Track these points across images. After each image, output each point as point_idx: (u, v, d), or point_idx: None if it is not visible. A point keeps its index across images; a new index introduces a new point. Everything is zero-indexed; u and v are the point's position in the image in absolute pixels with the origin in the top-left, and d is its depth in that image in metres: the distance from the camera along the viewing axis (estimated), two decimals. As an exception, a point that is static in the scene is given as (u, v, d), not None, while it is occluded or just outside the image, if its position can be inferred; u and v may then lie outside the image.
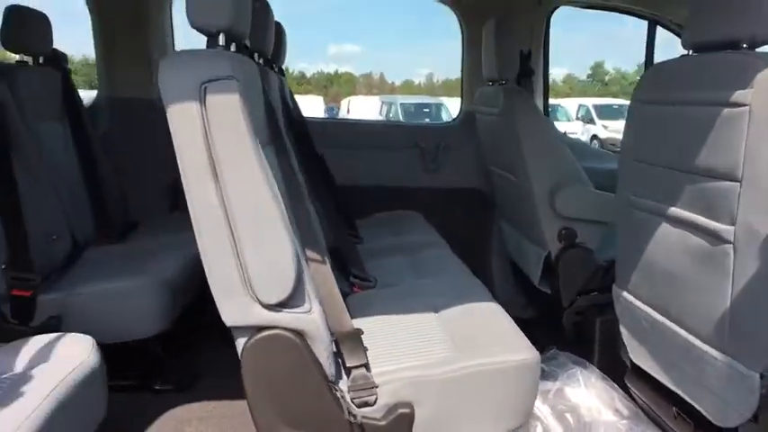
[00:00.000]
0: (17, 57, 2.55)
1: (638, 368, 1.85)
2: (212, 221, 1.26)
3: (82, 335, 1.44)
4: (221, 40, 1.40)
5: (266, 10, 2.04)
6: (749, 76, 1.27)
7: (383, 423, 1.39)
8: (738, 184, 1.31)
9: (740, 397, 1.34)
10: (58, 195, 2.33)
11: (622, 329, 1.89)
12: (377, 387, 1.40)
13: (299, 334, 1.34)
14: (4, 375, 1.32)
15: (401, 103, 14.20)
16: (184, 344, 2.34)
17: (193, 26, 1.39)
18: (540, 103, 3.20)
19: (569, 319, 2.41)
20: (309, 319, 1.35)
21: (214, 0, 1.34)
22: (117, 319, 1.88)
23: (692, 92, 1.46)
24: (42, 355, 1.37)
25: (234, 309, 1.30)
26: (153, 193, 2.94)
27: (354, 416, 1.38)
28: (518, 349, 1.47)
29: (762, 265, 1.27)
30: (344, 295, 1.69)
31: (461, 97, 3.33)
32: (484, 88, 2.73)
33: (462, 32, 3.19)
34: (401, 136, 3.28)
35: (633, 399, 1.97)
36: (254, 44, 1.85)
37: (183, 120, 1.22)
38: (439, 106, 14.17)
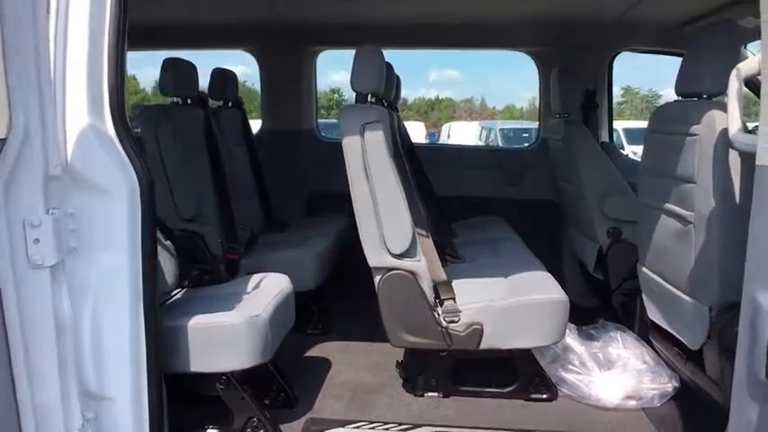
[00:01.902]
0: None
1: (655, 324, 2.54)
2: (365, 203, 2.19)
3: (281, 274, 2.41)
4: (369, 97, 2.34)
5: (391, 71, 2.99)
6: (700, 116, 2.00)
7: (463, 334, 2.23)
8: (694, 184, 2.03)
9: (699, 325, 2.04)
10: (243, 198, 3.40)
11: (643, 295, 2.59)
12: (459, 312, 2.25)
13: (413, 274, 2.23)
14: (241, 294, 2.29)
15: (500, 128, 14.78)
16: (326, 301, 3.31)
17: (354, 89, 2.35)
18: (605, 131, 3.93)
19: (617, 299, 3.09)
20: (419, 265, 2.24)
21: (368, 75, 2.29)
22: (291, 273, 2.83)
23: (674, 126, 2.19)
24: (261, 283, 2.35)
25: (375, 256, 2.21)
26: (293, 203, 3.98)
27: (446, 328, 2.24)
28: (552, 292, 2.26)
29: (707, 236, 1.98)
30: (444, 265, 2.55)
31: (539, 126, 4.12)
32: (552, 120, 3.52)
33: (539, 74, 3.99)
34: (488, 158, 4.13)
35: (657, 351, 2.65)
36: (384, 96, 2.79)
37: (352, 145, 2.16)
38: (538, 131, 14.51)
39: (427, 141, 15.03)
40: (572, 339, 2.56)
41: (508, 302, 2.24)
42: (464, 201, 3.96)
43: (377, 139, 2.15)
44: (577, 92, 3.53)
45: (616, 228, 3.09)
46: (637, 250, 3.08)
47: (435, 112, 37.37)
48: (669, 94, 2.50)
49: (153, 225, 1.65)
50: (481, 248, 3.12)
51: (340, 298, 3.33)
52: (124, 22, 1.58)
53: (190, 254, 2.79)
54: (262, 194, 3.68)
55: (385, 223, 2.18)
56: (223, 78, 3.60)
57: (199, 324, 1.99)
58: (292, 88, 4.08)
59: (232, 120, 3.66)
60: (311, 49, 4.08)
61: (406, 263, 2.22)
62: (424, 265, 2.26)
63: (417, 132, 16.79)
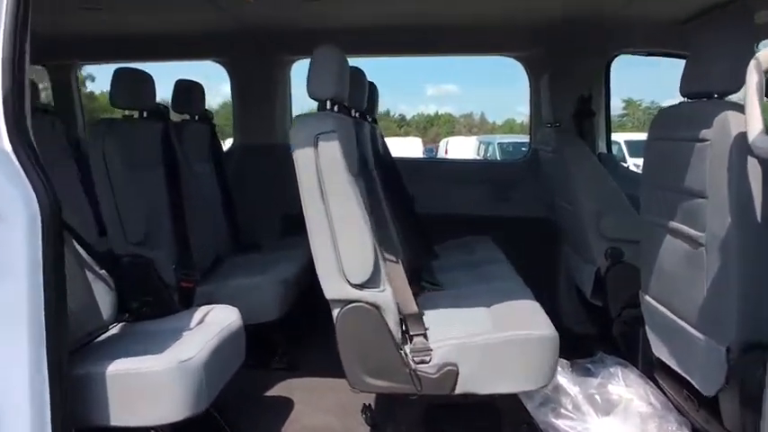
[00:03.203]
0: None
1: (660, 361, 2.21)
2: (320, 225, 1.88)
3: (229, 306, 2.10)
4: (328, 104, 2.05)
5: (360, 77, 2.70)
6: (711, 117, 1.70)
7: (435, 376, 1.91)
8: (705, 199, 1.72)
9: (714, 368, 1.72)
10: (207, 218, 3.10)
11: (647, 328, 2.27)
12: (431, 351, 1.93)
13: (375, 307, 1.91)
14: (182, 330, 2.00)
15: (498, 143, 14.57)
16: (293, 331, 2.99)
17: (311, 96, 2.06)
18: (602, 140, 3.63)
19: (618, 328, 2.77)
20: (383, 296, 1.92)
21: (323, 79, 2.00)
22: (249, 305, 2.52)
23: (680, 131, 1.89)
24: (206, 317, 2.05)
25: (332, 286, 1.90)
26: (269, 222, 3.68)
27: (414, 370, 1.92)
28: (540, 327, 1.94)
29: (722, 262, 1.67)
30: (416, 295, 2.24)
31: (530, 137, 3.82)
32: (543, 129, 3.22)
33: (530, 81, 3.71)
34: (475, 172, 3.82)
35: (663, 392, 2.32)
36: (351, 103, 2.50)
37: (304, 157, 1.86)
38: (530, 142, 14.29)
39: (425, 157, 14.81)
40: (564, 378, 2.22)
41: (487, 339, 1.92)
42: (450, 219, 3.65)
43: (332, 152, 1.85)
44: (570, 99, 3.23)
45: (616, 248, 2.78)
46: (638, 273, 2.80)
47: (434, 127, 37.21)
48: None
49: (59, 254, 1.43)
50: (464, 273, 2.81)
51: (310, 328, 3.00)
52: (24, 19, 1.40)
53: (136, 282, 2.50)
54: (229, 214, 3.39)
55: (343, 249, 1.87)
56: (187, 90, 3.33)
57: (119, 371, 1.70)
58: (265, 100, 3.79)
59: (197, 134, 3.37)
60: (285, 58, 3.81)
61: (368, 293, 1.91)
62: (390, 295, 1.94)
63: (415, 148, 16.64)
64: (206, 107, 3.49)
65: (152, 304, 2.18)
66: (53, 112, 3.60)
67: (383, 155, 3.16)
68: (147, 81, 2.81)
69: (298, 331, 3.00)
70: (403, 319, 2.00)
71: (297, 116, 1.94)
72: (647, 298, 2.24)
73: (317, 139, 1.85)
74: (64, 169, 2.97)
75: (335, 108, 2.12)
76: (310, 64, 2.01)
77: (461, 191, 3.77)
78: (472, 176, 3.84)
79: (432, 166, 4.28)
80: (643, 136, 2.74)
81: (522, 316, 2.07)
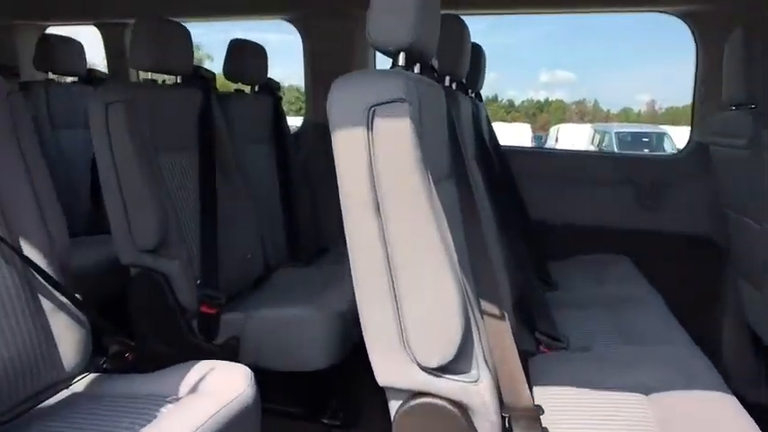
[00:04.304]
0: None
1: None
2: (371, 264, 1.10)
3: (240, 365, 1.40)
4: (401, 59, 1.26)
5: (460, 29, 1.87)
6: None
7: None
8: None
9: None
10: (257, 216, 2.44)
11: None
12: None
13: (460, 406, 1.11)
14: (166, 398, 1.32)
15: (616, 132, 13.04)
16: (353, 379, 2.25)
17: (373, 45, 1.28)
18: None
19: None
20: (475, 390, 1.11)
21: (395, 16, 1.20)
22: (289, 346, 1.85)
23: None
24: (201, 383, 1.35)
25: (388, 367, 1.12)
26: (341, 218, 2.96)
27: None
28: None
29: None
30: (527, 356, 1.43)
31: (691, 125, 2.79)
32: (724, 114, 2.22)
33: (697, 49, 2.68)
34: (612, 168, 2.86)
35: None
36: (443, 66, 1.69)
37: (347, 146, 1.09)
38: (661, 136, 12.75)
39: (533, 146, 13.55)
40: None
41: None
42: (572, 229, 2.76)
43: (399, 136, 1.07)
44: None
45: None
46: None
47: (544, 114, 35.09)
48: None
49: None
50: (597, 317, 1.94)
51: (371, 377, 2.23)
52: None
53: (142, 305, 1.88)
54: (287, 211, 2.70)
55: (409, 305, 1.09)
56: (245, 53, 2.67)
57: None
58: (345, 68, 3.05)
59: (254, 109, 2.71)
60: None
61: (449, 384, 1.11)
62: (487, 386, 1.13)
63: (523, 135, 15.42)
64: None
65: (136, 349, 1.51)
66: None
67: (489, 143, 2.31)
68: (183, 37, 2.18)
69: (358, 378, 2.26)
70: (508, 420, 1.19)
71: (340, 77, 1.14)
72: None
73: (373, 112, 1.07)
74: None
75: (416, 67, 1.34)
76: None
77: (588, 192, 2.85)
78: (604, 174, 2.89)
79: (549, 159, 3.34)
80: None
81: (718, 428, 1.19)
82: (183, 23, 2.21)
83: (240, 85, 2.77)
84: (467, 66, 1.97)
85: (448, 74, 1.83)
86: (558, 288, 2.22)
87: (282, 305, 1.97)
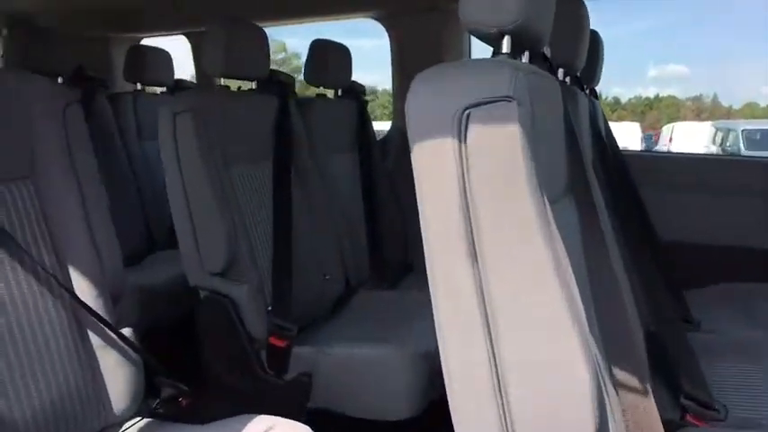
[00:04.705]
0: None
1: None
2: (461, 318, 0.81)
3: (303, 428, 1.15)
4: (505, 45, 0.95)
5: (579, 11, 1.52)
6: None
7: None
8: None
9: None
10: (338, 231, 2.21)
11: None
12: None
13: None
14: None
15: (743, 129, 11.60)
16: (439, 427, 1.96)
17: (469, 29, 0.99)
18: None
19: None
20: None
21: None
22: (364, 390, 1.59)
23: None
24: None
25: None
26: None
27: None
28: None
29: None
30: (671, 429, 1.07)
31: None
32: None
33: None
34: (754, 175, 2.38)
35: None
36: (556, 54, 1.35)
37: (430, 162, 0.81)
38: None
39: (643, 147, 12.51)
40: None
41: None
42: (706, 251, 2.31)
43: (503, 146, 0.77)
44: None
45: None
46: None
47: (654, 111, 32.72)
48: None
49: None
50: (764, 375, 1.50)
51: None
52: None
53: (208, 331, 1.71)
54: (371, 225, 2.45)
55: (517, 380, 0.78)
56: (328, 54, 2.46)
57: None
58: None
59: (336, 115, 2.50)
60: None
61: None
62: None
63: (631, 136, 14.29)
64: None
65: (192, 394, 1.31)
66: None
67: (608, 149, 1.93)
68: (260, 39, 2.00)
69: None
70: None
71: (425, 70, 0.85)
72: None
73: (468, 115, 0.77)
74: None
75: (525, 56, 1.03)
76: None
77: (724, 205, 2.39)
78: (744, 182, 2.41)
79: (672, 164, 2.86)
80: None
81: None
82: (267, 27, 2.04)
83: (322, 90, 2.56)
84: (584, 56, 1.61)
85: (561, 65, 1.48)
86: (699, 328, 1.79)
87: (359, 341, 1.70)
